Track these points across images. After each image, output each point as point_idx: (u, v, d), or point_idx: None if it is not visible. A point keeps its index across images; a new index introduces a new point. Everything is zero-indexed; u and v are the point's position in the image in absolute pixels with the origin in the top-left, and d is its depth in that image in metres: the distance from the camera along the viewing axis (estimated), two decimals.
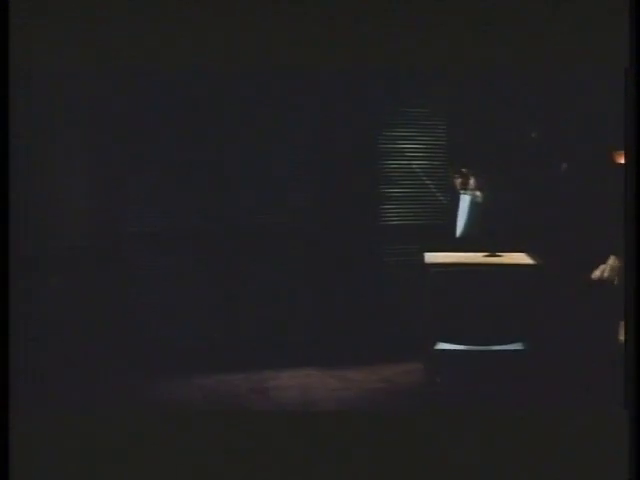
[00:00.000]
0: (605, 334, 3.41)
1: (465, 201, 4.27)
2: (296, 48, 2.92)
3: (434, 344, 3.95)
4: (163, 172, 4.60)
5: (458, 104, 4.85)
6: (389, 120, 4.88)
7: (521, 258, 4.04)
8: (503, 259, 4.07)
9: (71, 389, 3.63)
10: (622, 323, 3.23)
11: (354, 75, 4.51)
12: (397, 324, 4.76)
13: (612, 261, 3.40)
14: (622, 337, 3.40)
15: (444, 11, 2.93)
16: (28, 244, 4.05)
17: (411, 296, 4.68)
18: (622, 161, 2.95)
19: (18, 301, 2.85)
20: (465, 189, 4.07)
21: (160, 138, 4.58)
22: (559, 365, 3.50)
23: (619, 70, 2.78)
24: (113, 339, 4.31)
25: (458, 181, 4.13)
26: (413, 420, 2.93)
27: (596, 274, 3.40)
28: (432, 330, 3.98)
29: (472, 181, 3.97)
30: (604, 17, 2.87)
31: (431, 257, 4.16)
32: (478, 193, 3.92)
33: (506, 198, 4.07)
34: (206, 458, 2.83)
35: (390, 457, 2.84)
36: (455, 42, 2.94)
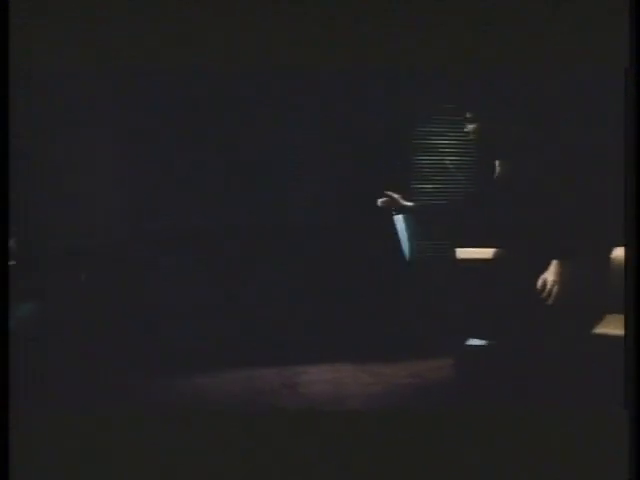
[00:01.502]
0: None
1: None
2: (296, 48, 2.92)
3: (465, 339, 3.91)
4: (163, 172, 4.60)
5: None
6: (419, 116, 4.89)
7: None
8: None
9: (77, 389, 3.64)
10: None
11: (387, 73, 4.50)
12: (427, 319, 4.74)
13: (554, 268, 2.97)
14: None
15: (444, 11, 2.93)
16: (28, 244, 4.05)
17: (441, 291, 4.66)
18: (622, 161, 2.93)
19: (18, 301, 2.85)
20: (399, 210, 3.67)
21: (160, 138, 4.58)
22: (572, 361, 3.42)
23: (619, 70, 2.78)
24: (132, 337, 4.29)
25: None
26: (441, 417, 2.92)
27: (539, 284, 2.96)
28: (463, 325, 3.95)
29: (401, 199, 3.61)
30: (604, 17, 2.87)
31: (463, 253, 4.13)
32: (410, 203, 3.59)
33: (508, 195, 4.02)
34: (228, 458, 2.84)
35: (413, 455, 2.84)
36: (455, 42, 2.94)
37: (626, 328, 2.73)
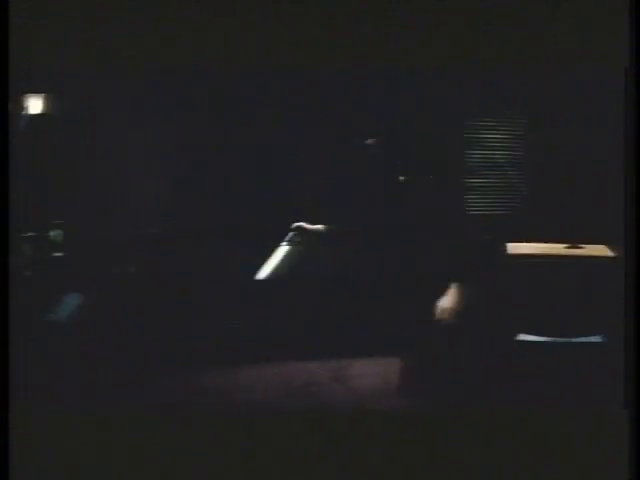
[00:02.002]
0: None
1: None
2: (296, 48, 2.92)
3: (515, 335, 3.85)
4: (163, 172, 4.60)
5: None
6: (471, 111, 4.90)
7: (602, 250, 3.99)
8: (584, 251, 4.03)
9: (77, 389, 3.63)
10: None
11: (386, 73, 4.49)
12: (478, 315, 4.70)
13: (452, 293, 2.85)
14: None
15: (444, 11, 2.93)
16: (28, 243, 4.05)
17: (492, 287, 4.63)
18: (622, 161, 2.92)
19: (18, 301, 2.85)
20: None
21: (160, 138, 4.58)
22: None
23: (619, 70, 2.78)
24: (173, 332, 4.26)
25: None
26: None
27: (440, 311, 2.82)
28: (513, 321, 3.89)
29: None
30: (604, 17, 2.87)
31: (513, 248, 4.10)
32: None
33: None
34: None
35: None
36: (455, 42, 2.95)
37: (626, 327, 2.73)
